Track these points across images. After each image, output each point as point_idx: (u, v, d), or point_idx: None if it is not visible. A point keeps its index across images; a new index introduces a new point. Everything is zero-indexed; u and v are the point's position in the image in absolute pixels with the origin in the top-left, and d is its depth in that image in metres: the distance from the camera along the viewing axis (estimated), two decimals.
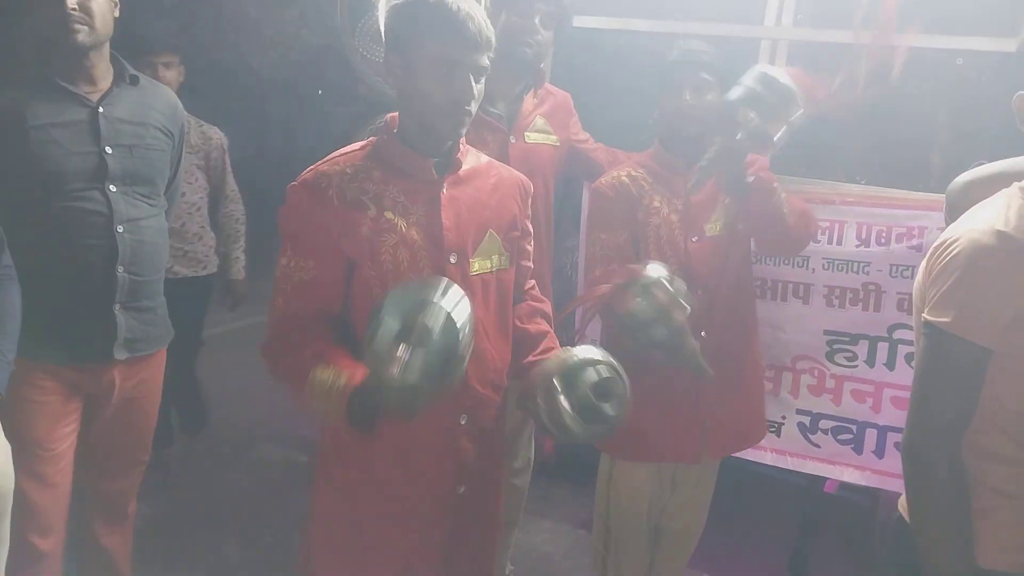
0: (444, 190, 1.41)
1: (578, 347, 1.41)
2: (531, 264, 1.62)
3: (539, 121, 2.18)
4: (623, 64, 2.89)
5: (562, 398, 1.34)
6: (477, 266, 1.44)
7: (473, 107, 1.35)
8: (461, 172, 1.44)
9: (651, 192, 1.90)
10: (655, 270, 1.66)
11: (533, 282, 1.67)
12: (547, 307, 1.66)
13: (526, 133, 2.16)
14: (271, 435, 3.67)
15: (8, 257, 1.68)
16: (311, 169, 1.40)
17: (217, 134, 3.06)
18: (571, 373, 1.36)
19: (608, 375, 1.37)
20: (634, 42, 2.78)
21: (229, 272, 3.16)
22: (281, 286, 1.39)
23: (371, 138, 1.45)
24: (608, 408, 1.36)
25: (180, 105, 2.06)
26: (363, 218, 1.35)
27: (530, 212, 1.58)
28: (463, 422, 1.44)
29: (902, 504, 1.36)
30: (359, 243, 1.35)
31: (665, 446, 1.93)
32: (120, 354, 1.90)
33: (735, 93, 1.73)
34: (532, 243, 1.61)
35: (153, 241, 1.94)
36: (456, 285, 1.22)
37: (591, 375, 1.36)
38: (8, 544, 1.62)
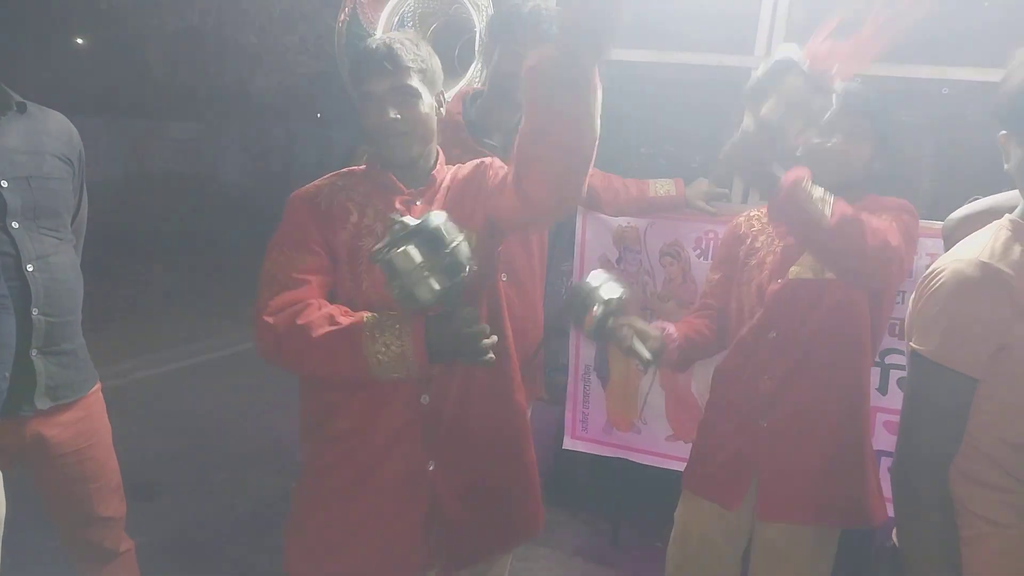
0: (418, 203, 1.54)
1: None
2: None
3: None
4: (616, 94, 2.93)
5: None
6: None
7: (404, 127, 1.47)
8: (437, 187, 1.56)
9: (760, 233, 1.87)
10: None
11: None
12: None
13: None
14: (265, 461, 3.65)
15: (3, 286, 1.66)
16: (307, 186, 1.57)
17: None
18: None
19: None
20: (627, 71, 2.82)
21: None
22: (274, 275, 1.46)
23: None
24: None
25: (75, 130, 1.94)
26: (346, 223, 1.51)
27: (496, 170, 1.58)
28: (424, 401, 1.51)
29: (895, 534, 1.37)
30: (340, 246, 1.50)
31: (706, 481, 1.88)
32: (42, 403, 1.79)
33: (747, 83, 1.59)
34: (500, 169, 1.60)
35: (66, 278, 1.84)
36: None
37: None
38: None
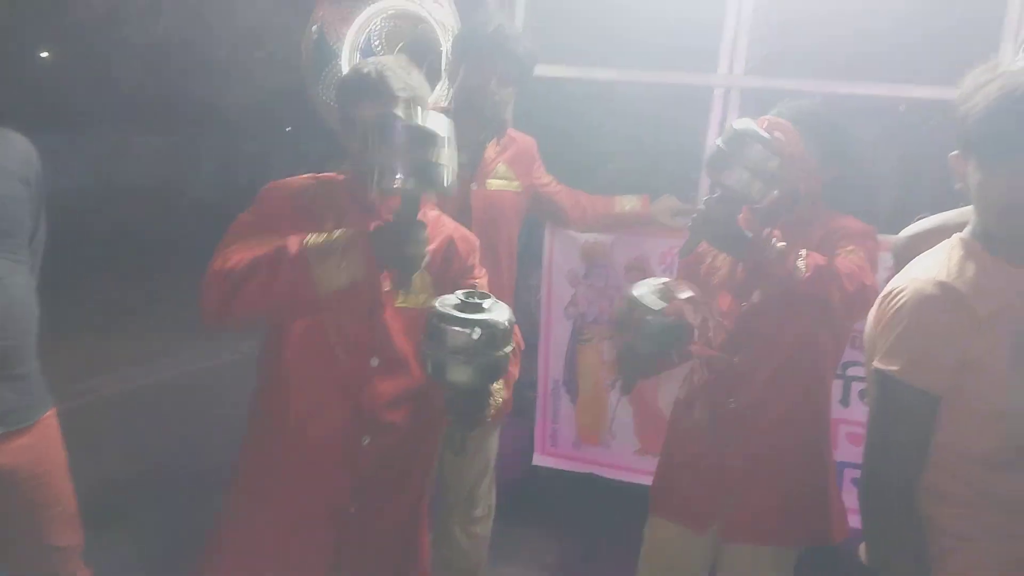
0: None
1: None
2: None
3: (501, 168, 2.22)
4: (583, 111, 2.96)
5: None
6: (400, 299, 1.53)
7: None
8: None
9: (720, 252, 1.81)
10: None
11: None
12: None
13: (488, 180, 2.19)
14: None
15: None
16: (288, 179, 1.55)
17: None
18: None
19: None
20: (593, 90, 2.86)
21: None
22: (231, 243, 1.44)
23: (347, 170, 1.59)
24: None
25: (34, 151, 1.90)
26: (320, 228, 1.44)
27: (474, 261, 1.65)
28: (365, 443, 1.50)
29: (862, 551, 1.37)
30: None
31: (673, 503, 1.89)
32: None
33: (708, 153, 1.66)
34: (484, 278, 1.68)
35: (21, 300, 1.80)
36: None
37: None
38: None
